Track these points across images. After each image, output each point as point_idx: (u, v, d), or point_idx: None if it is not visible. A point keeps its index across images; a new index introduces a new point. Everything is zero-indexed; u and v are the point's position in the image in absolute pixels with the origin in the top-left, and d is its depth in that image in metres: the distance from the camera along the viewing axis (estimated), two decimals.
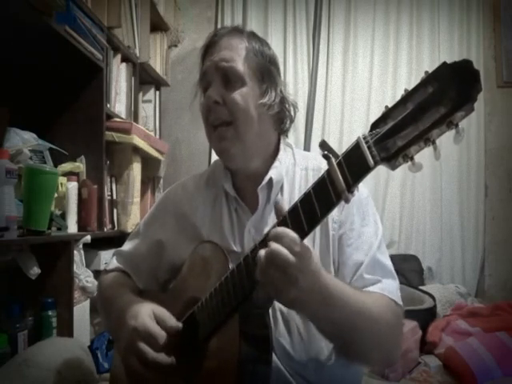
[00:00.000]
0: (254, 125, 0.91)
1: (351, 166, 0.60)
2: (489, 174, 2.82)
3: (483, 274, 2.78)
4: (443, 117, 0.53)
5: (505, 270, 2.76)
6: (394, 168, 0.58)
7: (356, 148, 0.60)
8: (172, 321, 0.83)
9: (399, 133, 0.56)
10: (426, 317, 2.09)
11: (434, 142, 0.55)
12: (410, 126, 0.55)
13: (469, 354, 1.80)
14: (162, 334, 0.80)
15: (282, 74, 1.01)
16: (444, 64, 0.54)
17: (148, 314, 0.83)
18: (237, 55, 0.92)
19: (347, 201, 0.61)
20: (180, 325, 0.84)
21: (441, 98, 0.53)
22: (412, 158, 0.57)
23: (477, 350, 1.80)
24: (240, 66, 0.91)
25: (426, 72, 0.55)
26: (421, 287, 2.41)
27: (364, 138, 0.59)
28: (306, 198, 0.66)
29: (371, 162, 0.58)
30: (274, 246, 0.64)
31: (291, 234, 0.65)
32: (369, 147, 0.58)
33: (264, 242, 0.71)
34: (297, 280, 0.65)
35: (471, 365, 1.75)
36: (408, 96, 0.56)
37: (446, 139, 0.57)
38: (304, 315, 0.74)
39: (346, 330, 0.75)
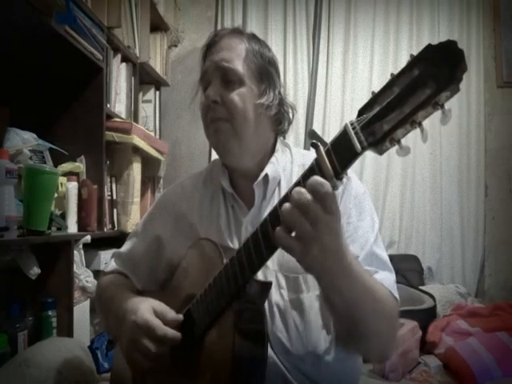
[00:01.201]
0: (250, 124, 0.92)
1: (339, 153, 0.60)
2: (489, 174, 2.82)
3: (483, 274, 2.78)
4: (429, 98, 0.53)
5: (505, 270, 2.76)
6: (381, 153, 0.58)
7: (343, 134, 0.60)
8: (172, 313, 0.84)
9: (386, 117, 0.56)
10: (426, 317, 2.09)
11: (420, 124, 0.55)
12: (396, 109, 0.55)
13: (469, 354, 1.80)
14: (162, 327, 0.81)
15: (281, 75, 1.02)
16: (429, 46, 0.54)
17: (147, 309, 0.84)
18: (236, 56, 0.93)
19: (336, 187, 0.61)
20: (180, 316, 0.84)
21: (426, 79, 0.53)
22: (399, 142, 0.57)
23: (477, 350, 1.80)
24: (239, 66, 0.92)
25: (411, 55, 0.55)
26: (421, 287, 2.41)
27: (351, 124, 0.59)
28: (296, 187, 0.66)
29: (358, 147, 0.58)
30: (309, 196, 0.61)
31: (326, 186, 0.62)
32: (356, 133, 0.58)
33: (255, 234, 0.71)
34: (323, 235, 0.62)
35: (471, 365, 1.75)
36: (394, 80, 0.56)
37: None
38: (320, 282, 0.71)
39: (354, 307, 0.74)
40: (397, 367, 1.74)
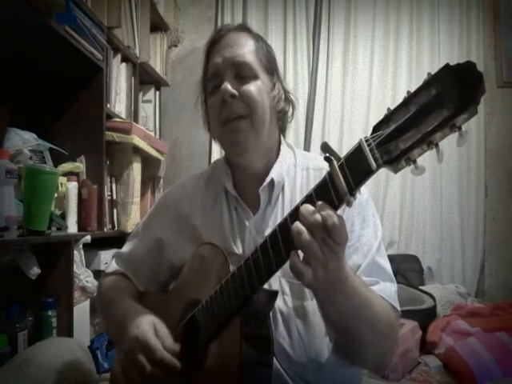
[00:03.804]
0: (267, 118, 0.91)
1: (353, 169, 0.59)
2: (489, 174, 2.82)
3: (483, 274, 2.78)
4: (446, 119, 0.52)
5: (505, 270, 2.76)
6: (396, 171, 0.57)
7: (358, 151, 0.59)
8: (169, 341, 0.83)
9: (402, 135, 0.55)
10: (426, 317, 2.09)
11: (436, 145, 0.54)
12: (413, 128, 0.54)
13: (469, 353, 1.80)
14: (160, 350, 0.80)
15: (281, 75, 1.02)
16: (447, 66, 0.53)
17: (150, 326, 0.84)
18: (247, 50, 0.92)
19: (349, 204, 0.60)
20: (177, 347, 0.83)
21: (444, 100, 0.52)
22: (415, 161, 0.56)
23: (477, 350, 1.80)
24: (252, 60, 0.92)
25: (429, 74, 0.54)
26: (421, 287, 2.41)
27: (366, 141, 0.58)
28: (307, 201, 0.65)
29: (373, 165, 0.57)
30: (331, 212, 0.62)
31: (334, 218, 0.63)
32: (371, 150, 0.57)
33: (265, 246, 0.70)
34: (329, 261, 0.64)
35: (471, 365, 1.75)
36: (410, 98, 0.55)
37: (445, 140, 0.56)
38: (316, 294, 0.72)
39: (349, 320, 0.75)
40: (397, 367, 1.74)
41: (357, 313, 0.74)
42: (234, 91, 0.89)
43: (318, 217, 0.62)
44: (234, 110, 0.89)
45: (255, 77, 0.91)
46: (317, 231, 0.62)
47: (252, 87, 0.89)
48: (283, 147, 0.99)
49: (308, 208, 0.63)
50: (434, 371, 1.84)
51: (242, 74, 0.91)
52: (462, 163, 2.80)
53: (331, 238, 0.63)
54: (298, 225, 0.63)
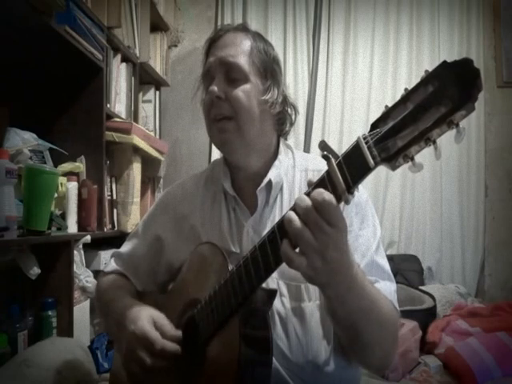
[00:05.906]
0: (255, 121, 0.91)
1: (351, 167, 0.59)
2: (489, 174, 2.82)
3: (483, 274, 2.78)
4: (444, 116, 0.52)
5: (505, 270, 2.76)
6: (394, 168, 0.57)
7: (356, 148, 0.59)
8: (171, 329, 0.83)
9: (399, 133, 0.55)
10: (426, 317, 2.09)
11: (434, 142, 0.55)
12: (411, 125, 0.54)
13: (469, 353, 1.80)
14: (159, 340, 0.80)
15: (282, 77, 1.01)
16: (444, 63, 0.53)
17: (147, 320, 0.83)
18: (241, 51, 0.92)
19: (347, 202, 0.60)
20: (179, 333, 0.83)
21: (441, 97, 0.52)
22: (412, 158, 0.56)
23: (477, 350, 1.80)
24: (244, 62, 0.91)
25: (426, 71, 0.54)
26: (421, 287, 2.40)
27: (364, 138, 0.58)
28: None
29: (371, 162, 0.57)
30: (327, 195, 0.61)
31: (329, 198, 0.62)
32: (369, 147, 0.57)
33: (264, 244, 0.70)
34: (327, 249, 0.62)
35: (471, 365, 1.75)
36: (408, 95, 0.56)
37: (445, 140, 0.56)
38: (324, 292, 0.72)
39: (357, 318, 0.75)
40: (397, 367, 1.74)
41: (365, 311, 0.74)
42: (220, 94, 0.90)
43: (308, 200, 0.61)
44: (220, 111, 0.90)
45: (245, 79, 0.90)
46: (309, 215, 0.61)
47: (239, 91, 0.89)
48: (282, 148, 0.99)
49: (301, 196, 0.63)
50: (434, 371, 1.84)
51: (232, 75, 0.90)
52: (462, 163, 2.80)
53: (324, 218, 0.61)
54: (289, 213, 0.63)
